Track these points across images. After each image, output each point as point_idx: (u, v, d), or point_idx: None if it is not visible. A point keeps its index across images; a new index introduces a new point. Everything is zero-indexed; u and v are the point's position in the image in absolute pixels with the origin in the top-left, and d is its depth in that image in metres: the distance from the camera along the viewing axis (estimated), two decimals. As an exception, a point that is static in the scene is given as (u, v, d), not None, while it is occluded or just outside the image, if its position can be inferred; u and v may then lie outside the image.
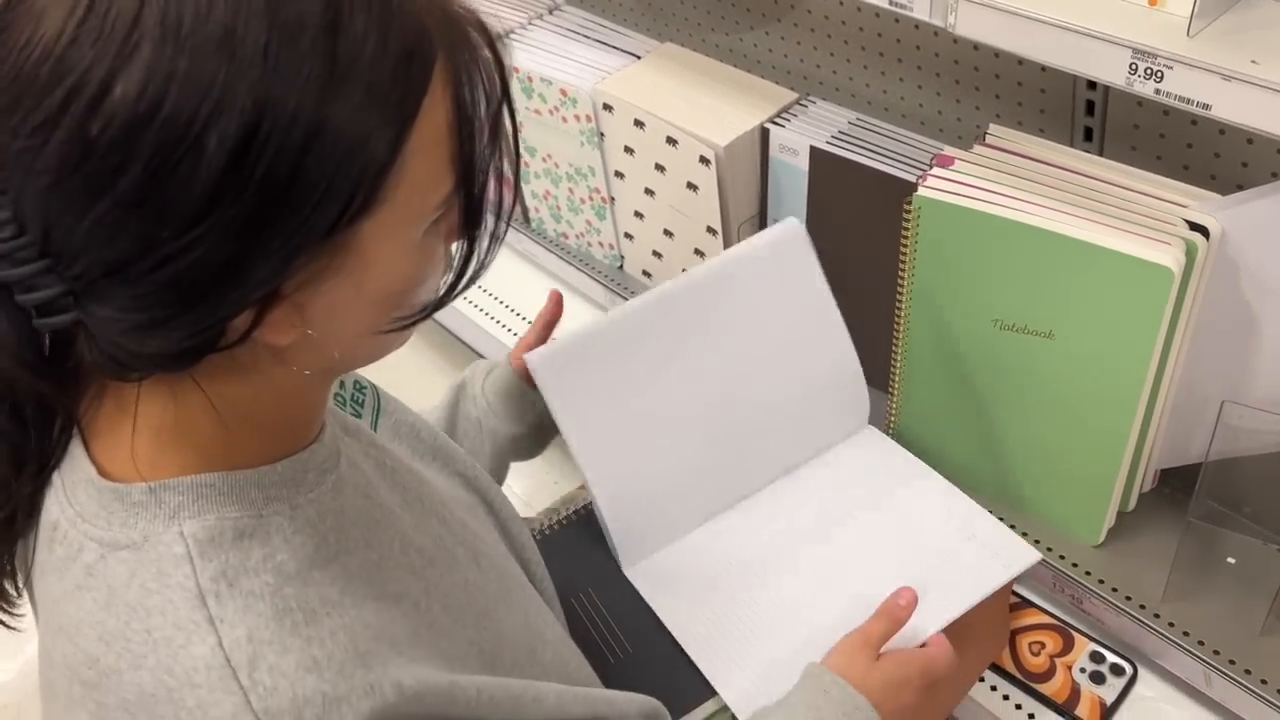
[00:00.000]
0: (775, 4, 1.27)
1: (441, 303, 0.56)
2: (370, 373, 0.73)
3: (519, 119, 1.32)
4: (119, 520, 0.53)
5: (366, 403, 0.77)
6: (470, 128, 0.51)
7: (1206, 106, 0.69)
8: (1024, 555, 0.89)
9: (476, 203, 0.53)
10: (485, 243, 0.56)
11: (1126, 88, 0.73)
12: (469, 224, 0.54)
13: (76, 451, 0.56)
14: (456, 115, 0.50)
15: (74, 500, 0.54)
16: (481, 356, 1.44)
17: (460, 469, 0.80)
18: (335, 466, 0.60)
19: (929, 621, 0.82)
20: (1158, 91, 0.71)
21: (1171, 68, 0.70)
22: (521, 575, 0.75)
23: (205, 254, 0.45)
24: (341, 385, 0.76)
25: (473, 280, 0.56)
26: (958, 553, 0.89)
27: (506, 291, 1.48)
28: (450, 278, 0.56)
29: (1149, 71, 0.71)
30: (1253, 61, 0.68)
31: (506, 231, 0.57)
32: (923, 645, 0.81)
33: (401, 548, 0.61)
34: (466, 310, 1.46)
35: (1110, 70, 0.73)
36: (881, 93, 1.22)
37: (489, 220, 0.56)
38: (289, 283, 0.48)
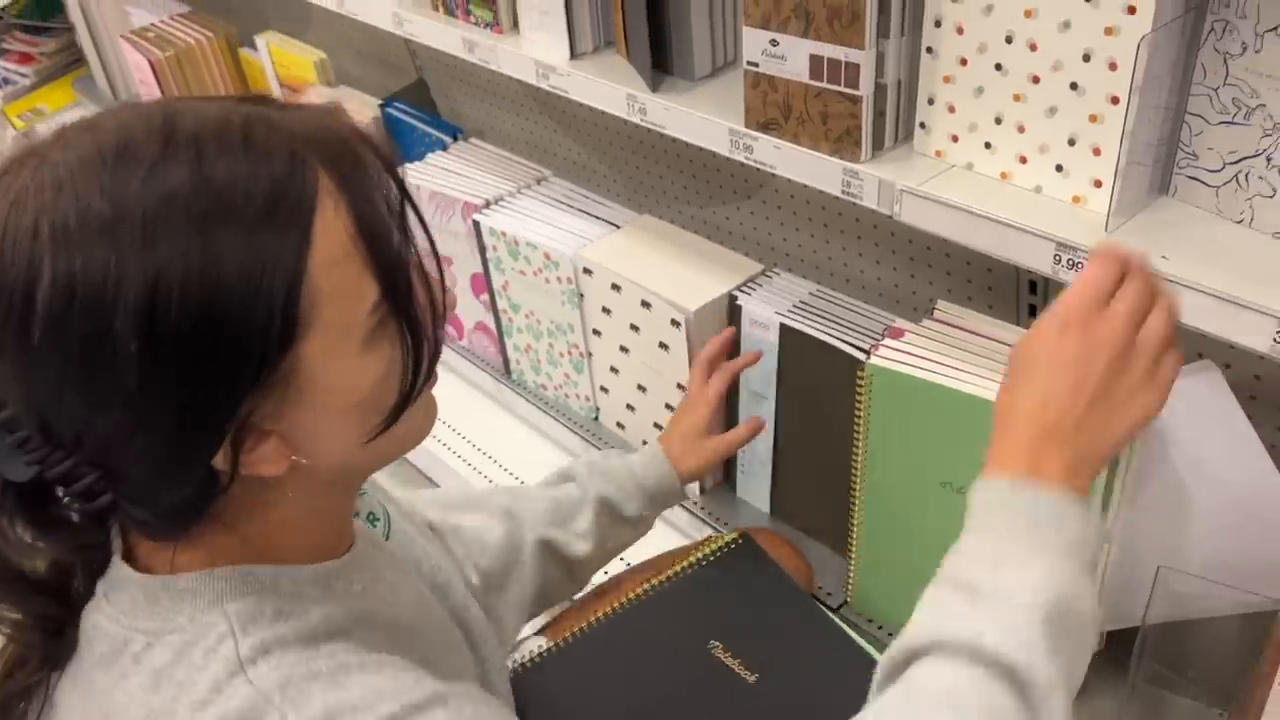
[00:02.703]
0: (745, 183, 1.37)
1: (406, 401, 0.59)
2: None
3: (506, 277, 1.40)
4: (164, 610, 0.57)
5: (379, 529, 0.81)
6: (376, 234, 0.55)
7: (1122, 296, 0.77)
8: None
9: (405, 302, 0.57)
10: (430, 334, 0.59)
11: (1053, 276, 0.80)
12: (405, 322, 0.58)
13: (112, 559, 0.61)
14: (358, 224, 0.54)
15: (115, 601, 0.59)
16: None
17: (453, 605, 0.82)
18: (363, 578, 0.64)
19: None
20: (1079, 281, 0.79)
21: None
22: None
23: (161, 416, 0.51)
24: (356, 514, 0.79)
25: (429, 375, 0.60)
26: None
27: (486, 440, 1.53)
28: (410, 374, 0.59)
29: (1071, 263, 0.79)
30: (1163, 257, 0.76)
31: (445, 321, 0.61)
32: None
33: (419, 660, 0.64)
34: (446, 458, 1.51)
35: (1038, 260, 0.81)
36: (842, 265, 1.31)
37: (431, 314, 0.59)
38: (256, 418, 0.54)
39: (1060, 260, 0.79)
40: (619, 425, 1.41)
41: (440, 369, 0.71)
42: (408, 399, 0.60)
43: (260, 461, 0.55)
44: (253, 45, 1.96)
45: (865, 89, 0.89)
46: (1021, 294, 1.13)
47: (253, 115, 0.54)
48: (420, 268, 0.59)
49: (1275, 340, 0.70)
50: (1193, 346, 1.00)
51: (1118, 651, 1.03)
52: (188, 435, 0.52)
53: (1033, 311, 1.14)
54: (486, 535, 0.96)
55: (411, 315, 0.58)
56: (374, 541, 0.70)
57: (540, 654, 0.99)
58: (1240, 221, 0.79)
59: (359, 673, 0.56)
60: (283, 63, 1.89)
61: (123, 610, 0.58)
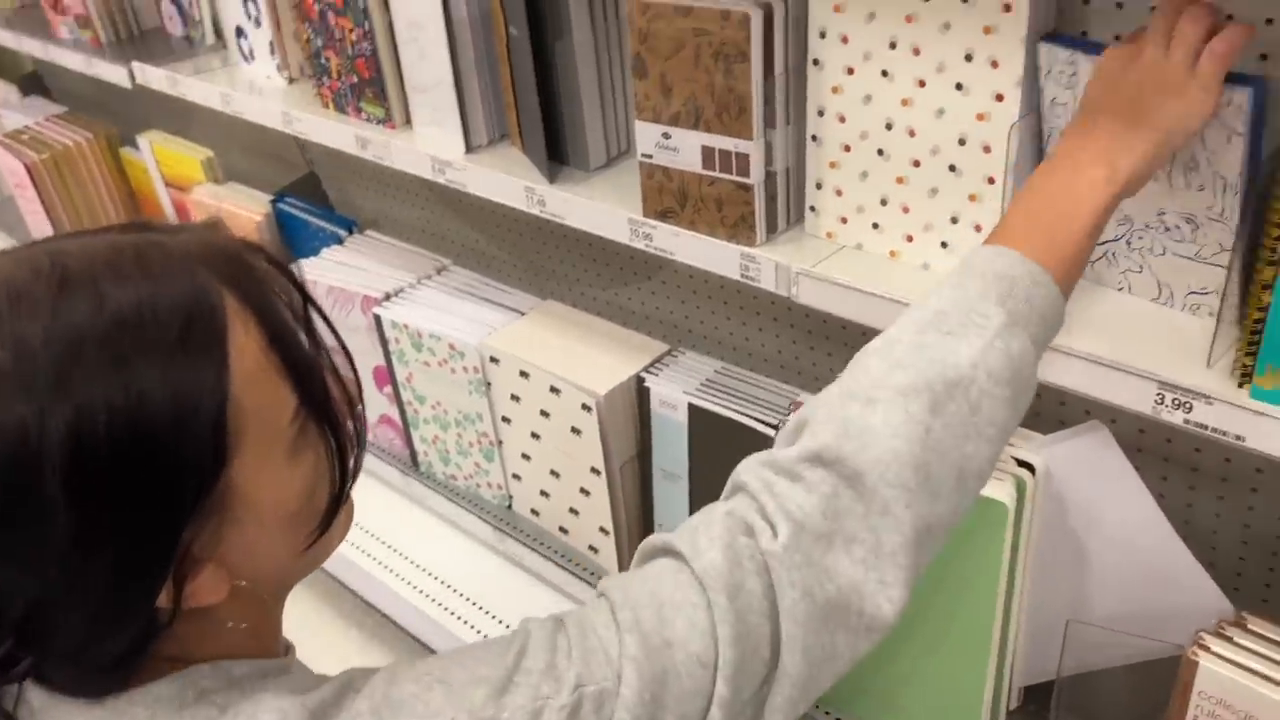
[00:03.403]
0: (646, 264, 1.39)
1: (338, 502, 0.59)
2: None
3: (410, 369, 1.38)
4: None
5: None
6: (285, 341, 0.54)
7: (1012, 366, 0.80)
8: None
9: (324, 404, 0.57)
10: (351, 432, 0.59)
11: (946, 350, 0.84)
12: (326, 424, 0.57)
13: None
14: (268, 337, 0.53)
15: None
16: (372, 605, 1.44)
17: None
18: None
19: None
20: (972, 353, 0.82)
21: (980, 333, 0.81)
22: None
23: (100, 567, 0.48)
24: None
25: (357, 470, 0.60)
26: None
27: (395, 537, 1.49)
28: (338, 476, 0.59)
29: (962, 336, 0.83)
30: (1047, 326, 0.80)
31: (364, 408, 0.62)
32: None
33: None
34: (356, 558, 1.47)
35: (931, 335, 0.84)
36: (745, 341, 1.34)
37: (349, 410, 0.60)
38: (194, 548, 0.52)
39: (953, 334, 0.83)
40: (533, 512, 1.40)
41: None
42: (339, 500, 0.60)
43: (201, 592, 0.53)
44: (135, 145, 1.92)
45: (756, 177, 0.92)
46: (917, 361, 1.17)
47: (142, 243, 0.52)
48: (331, 365, 0.59)
49: (1156, 403, 0.74)
50: (1079, 405, 1.05)
51: (1036, 704, 1.06)
52: (130, 581, 0.50)
53: (929, 377, 1.18)
54: None
55: (331, 416, 0.58)
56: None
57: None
58: (1120, 290, 0.84)
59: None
60: (167, 162, 1.86)
61: None
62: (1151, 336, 0.78)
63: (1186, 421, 0.73)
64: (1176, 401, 0.73)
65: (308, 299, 0.58)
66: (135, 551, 0.50)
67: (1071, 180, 0.66)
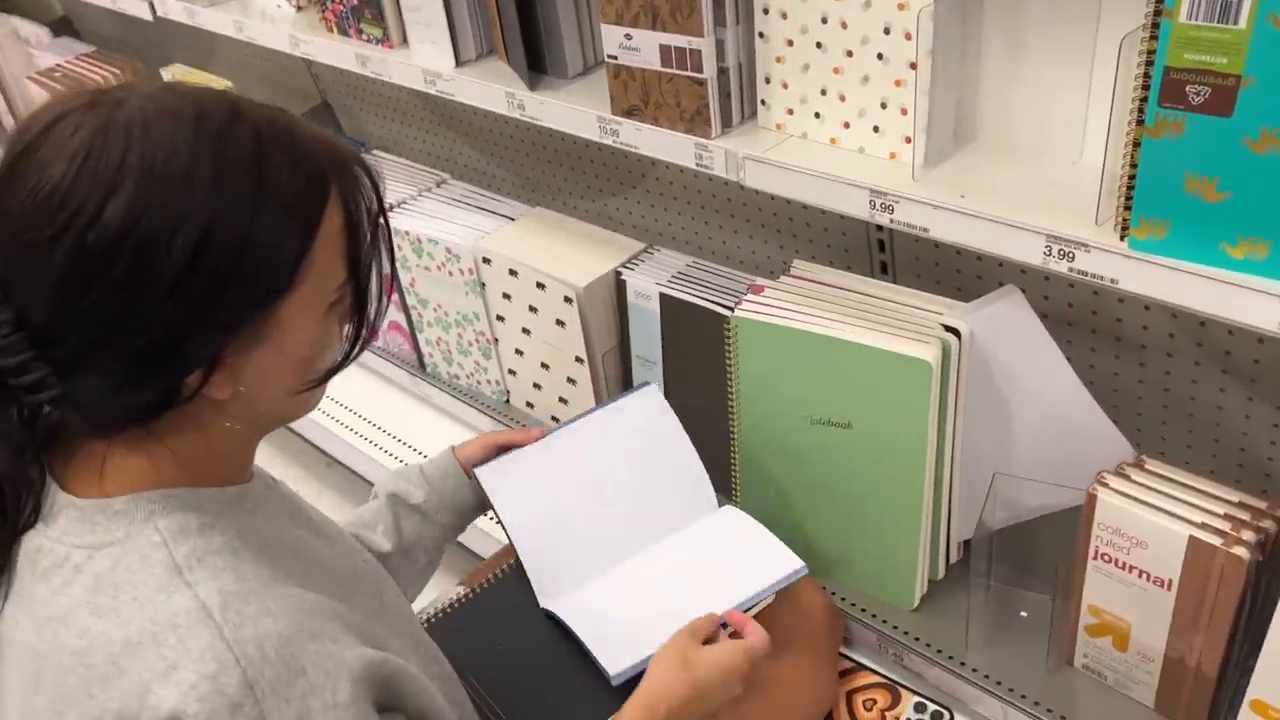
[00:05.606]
0: (629, 174, 1.49)
1: (343, 364, 0.74)
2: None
3: (412, 274, 1.50)
4: (102, 527, 0.67)
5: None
6: (356, 232, 0.70)
7: (925, 230, 0.90)
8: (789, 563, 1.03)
9: (363, 286, 0.72)
10: (371, 316, 0.74)
11: (870, 219, 0.93)
12: (358, 301, 0.72)
13: (49, 489, 0.69)
14: (346, 222, 0.69)
15: (53, 525, 0.68)
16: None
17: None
18: (263, 503, 0.76)
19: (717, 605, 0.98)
20: (892, 221, 0.92)
21: (899, 203, 0.91)
22: (416, 622, 0.88)
23: (168, 325, 0.62)
24: None
25: (362, 349, 0.74)
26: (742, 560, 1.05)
27: (406, 431, 1.62)
28: (347, 345, 0.74)
29: (884, 206, 0.92)
30: (961, 196, 0.89)
31: (388, 308, 0.75)
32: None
33: (324, 571, 0.75)
34: (371, 452, 1.60)
35: (856, 206, 0.94)
36: (722, 243, 1.43)
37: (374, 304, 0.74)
38: (229, 348, 0.65)
39: (875, 205, 0.92)
40: (529, 405, 1.51)
41: (359, 370, 0.78)
42: (339, 367, 0.74)
43: (214, 384, 0.66)
44: (159, 78, 2.04)
45: (709, 72, 1.01)
46: (874, 253, 1.27)
47: (294, 123, 0.68)
48: (379, 270, 0.74)
49: (1045, 254, 0.83)
50: (994, 275, 1.14)
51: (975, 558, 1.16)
52: (183, 351, 0.64)
53: (884, 268, 1.27)
54: None
55: (363, 301, 0.73)
56: (267, 482, 0.81)
57: (459, 599, 1.09)
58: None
59: (284, 597, 0.66)
60: (190, 93, 1.97)
61: (63, 531, 0.67)
62: (1053, 200, 0.86)
63: (1070, 269, 0.82)
64: (1062, 252, 0.82)
65: (384, 213, 0.73)
66: (199, 332, 0.64)
67: None
